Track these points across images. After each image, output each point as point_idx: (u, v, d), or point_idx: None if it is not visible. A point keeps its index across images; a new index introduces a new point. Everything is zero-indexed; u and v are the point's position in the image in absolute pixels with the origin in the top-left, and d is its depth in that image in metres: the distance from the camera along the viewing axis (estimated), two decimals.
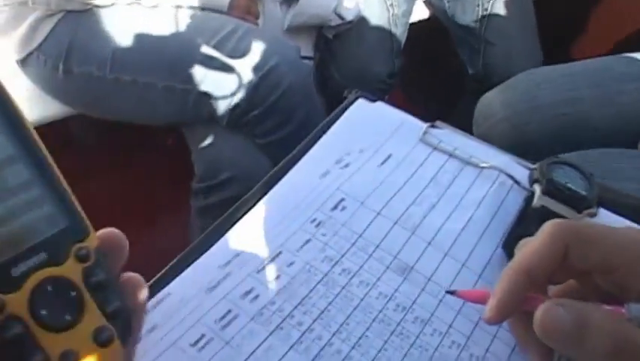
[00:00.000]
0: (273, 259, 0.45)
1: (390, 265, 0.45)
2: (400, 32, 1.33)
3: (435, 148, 0.53)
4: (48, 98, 1.08)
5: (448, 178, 0.51)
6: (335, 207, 0.49)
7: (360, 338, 0.41)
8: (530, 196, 0.47)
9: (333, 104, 1.16)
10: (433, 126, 0.55)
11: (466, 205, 0.50)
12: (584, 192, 0.46)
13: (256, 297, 0.43)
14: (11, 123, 0.27)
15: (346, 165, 0.52)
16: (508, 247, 0.46)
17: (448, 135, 0.55)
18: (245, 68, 0.98)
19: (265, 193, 0.49)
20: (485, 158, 0.53)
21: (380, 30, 1.30)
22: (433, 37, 1.45)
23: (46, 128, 1.04)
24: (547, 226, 0.32)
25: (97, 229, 0.29)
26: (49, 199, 0.28)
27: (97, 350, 0.27)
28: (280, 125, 1.03)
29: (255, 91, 0.98)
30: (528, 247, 0.32)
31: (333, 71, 1.32)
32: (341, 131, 0.55)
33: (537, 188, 0.46)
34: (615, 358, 0.28)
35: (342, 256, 0.46)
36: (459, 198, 0.50)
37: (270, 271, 0.44)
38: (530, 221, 0.45)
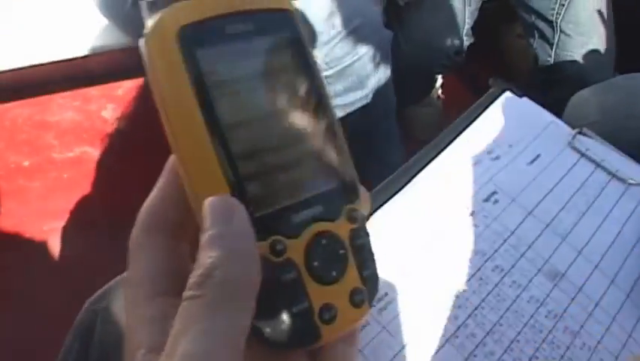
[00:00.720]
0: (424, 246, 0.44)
1: (542, 268, 0.45)
2: (473, 9, 1.28)
3: (583, 155, 0.52)
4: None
5: (596, 189, 0.50)
6: (487, 200, 0.48)
7: (512, 342, 0.41)
8: None
9: (399, 74, 1.13)
10: (580, 133, 0.54)
11: (614, 220, 0.49)
12: None
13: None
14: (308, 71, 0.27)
15: (497, 158, 0.50)
16: None
17: (595, 144, 0.53)
18: (326, 24, 0.94)
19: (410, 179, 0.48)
20: (631, 173, 0.52)
21: (454, 3, 1.25)
22: (500, 20, 1.40)
23: None
24: None
25: None
26: (331, 156, 0.28)
27: (352, 310, 0.28)
28: (351, 89, 1.00)
29: (332, 50, 0.95)
30: None
31: (400, 40, 1.27)
32: (489, 123, 0.53)
33: None
34: None
35: (495, 251, 0.45)
36: (606, 212, 0.49)
37: None
38: None
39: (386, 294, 0.41)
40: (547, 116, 0.55)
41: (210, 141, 0.24)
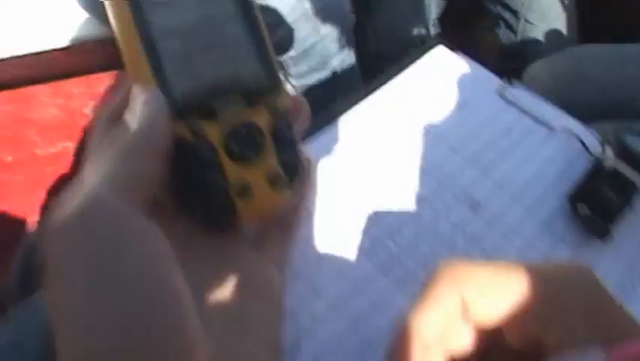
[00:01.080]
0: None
1: (463, 199, 0.48)
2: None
3: (511, 103, 0.55)
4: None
5: (521, 133, 0.53)
6: (412, 138, 0.50)
7: (429, 261, 0.44)
8: (600, 159, 0.49)
9: (366, 63, 1.15)
10: (509, 83, 0.56)
11: (536, 160, 0.51)
12: None
13: None
14: None
15: (424, 103, 0.53)
16: (574, 200, 0.48)
17: (522, 94, 0.56)
18: (296, 5, 0.98)
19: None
20: (557, 121, 0.55)
21: None
22: (470, 13, 1.43)
23: None
24: (438, 274, 0.28)
25: None
26: (255, 56, 0.32)
27: (270, 193, 0.32)
28: (315, 69, 1.03)
29: (297, 30, 0.98)
30: (416, 310, 0.28)
31: (366, 28, 1.30)
32: (420, 73, 0.56)
33: (609, 150, 0.48)
34: None
35: (418, 183, 0.48)
36: (530, 153, 0.52)
37: None
38: (600, 181, 0.47)
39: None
40: (477, 67, 0.57)
41: (143, 48, 0.29)
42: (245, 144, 0.31)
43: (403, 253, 0.43)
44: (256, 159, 0.31)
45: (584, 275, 0.29)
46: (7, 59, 1.07)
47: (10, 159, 1.27)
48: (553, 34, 1.26)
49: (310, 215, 0.42)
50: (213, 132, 0.30)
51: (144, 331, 0.23)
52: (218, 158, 0.30)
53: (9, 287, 0.52)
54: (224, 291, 0.31)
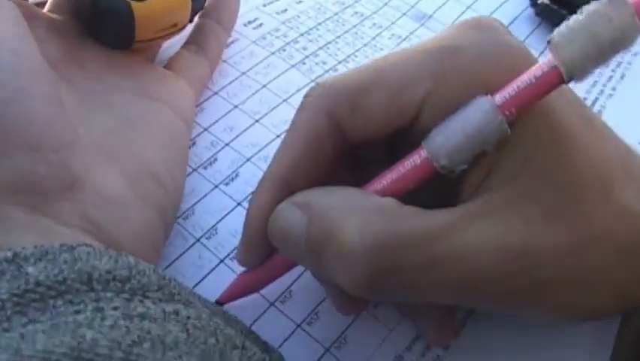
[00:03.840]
0: None
1: (407, 12, 0.42)
2: None
3: None
4: None
5: None
6: None
7: None
8: None
9: None
10: None
11: None
12: None
13: (260, 25, 0.40)
14: None
15: None
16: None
17: None
18: None
19: None
20: None
21: None
22: None
23: None
24: (303, 106, 0.23)
25: None
26: None
27: None
28: None
29: None
30: (281, 149, 0.23)
31: None
32: None
33: None
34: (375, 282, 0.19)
35: (356, 1, 0.42)
36: None
37: (278, 5, 0.41)
38: None
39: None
40: None
41: None
42: None
43: (337, 61, 0.38)
44: None
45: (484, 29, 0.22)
46: None
47: None
48: None
49: None
50: None
51: None
52: None
53: None
54: (118, 98, 0.29)
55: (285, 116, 0.35)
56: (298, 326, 0.26)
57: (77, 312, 0.16)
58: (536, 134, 0.20)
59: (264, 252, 0.24)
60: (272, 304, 0.27)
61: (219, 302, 0.26)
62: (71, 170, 0.23)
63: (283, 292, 0.27)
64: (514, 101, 0.20)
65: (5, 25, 0.22)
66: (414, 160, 0.21)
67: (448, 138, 0.20)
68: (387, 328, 0.26)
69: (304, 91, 0.26)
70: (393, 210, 0.20)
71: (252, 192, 0.24)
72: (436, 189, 0.22)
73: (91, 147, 0.24)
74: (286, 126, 0.25)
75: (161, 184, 0.27)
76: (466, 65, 0.21)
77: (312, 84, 0.24)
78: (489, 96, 0.20)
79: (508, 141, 0.20)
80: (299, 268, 0.27)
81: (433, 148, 0.21)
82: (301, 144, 0.23)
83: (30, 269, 0.17)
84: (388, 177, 0.22)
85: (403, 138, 0.23)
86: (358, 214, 0.20)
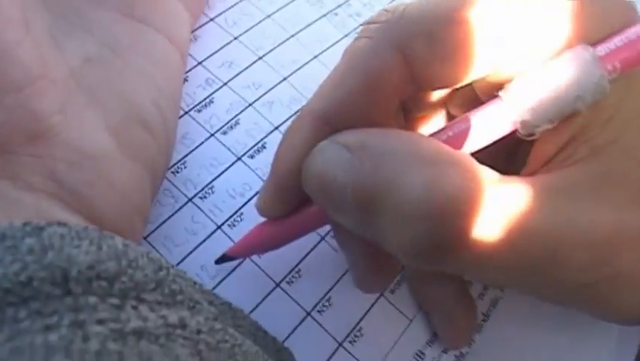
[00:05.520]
0: None
1: None
2: None
3: None
4: None
5: None
6: None
7: None
8: None
9: None
10: None
11: None
12: None
13: None
14: None
15: None
16: None
17: None
18: None
19: None
20: None
21: None
22: None
23: None
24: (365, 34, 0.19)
25: None
26: None
27: None
28: None
29: None
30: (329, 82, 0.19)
31: None
32: None
33: None
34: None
35: None
36: None
37: None
38: None
39: None
40: None
41: None
42: None
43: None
44: None
45: None
46: None
47: None
48: None
49: None
50: None
51: None
52: None
53: None
54: (101, 17, 0.23)
55: (294, 54, 0.30)
56: (308, 313, 0.22)
57: (48, 328, 0.12)
58: (636, 103, 0.17)
59: (293, 200, 0.19)
60: (277, 285, 0.23)
61: (224, 258, 0.21)
62: (36, 115, 0.17)
63: (290, 271, 0.23)
64: (619, 54, 0.16)
65: None
66: (487, 112, 0.17)
67: (535, 89, 0.16)
68: (406, 318, 0.23)
69: (315, 26, 0.21)
70: (472, 168, 0.16)
71: (288, 126, 0.19)
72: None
73: (63, 84, 0.19)
74: (295, 67, 0.20)
75: (150, 132, 0.22)
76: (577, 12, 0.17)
77: (324, 19, 0.19)
78: (589, 46, 0.16)
79: (600, 107, 0.16)
80: (309, 243, 0.23)
81: (514, 100, 0.17)
82: (358, 77, 0.18)
83: None
84: (456, 128, 0.17)
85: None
86: (428, 165, 0.15)
